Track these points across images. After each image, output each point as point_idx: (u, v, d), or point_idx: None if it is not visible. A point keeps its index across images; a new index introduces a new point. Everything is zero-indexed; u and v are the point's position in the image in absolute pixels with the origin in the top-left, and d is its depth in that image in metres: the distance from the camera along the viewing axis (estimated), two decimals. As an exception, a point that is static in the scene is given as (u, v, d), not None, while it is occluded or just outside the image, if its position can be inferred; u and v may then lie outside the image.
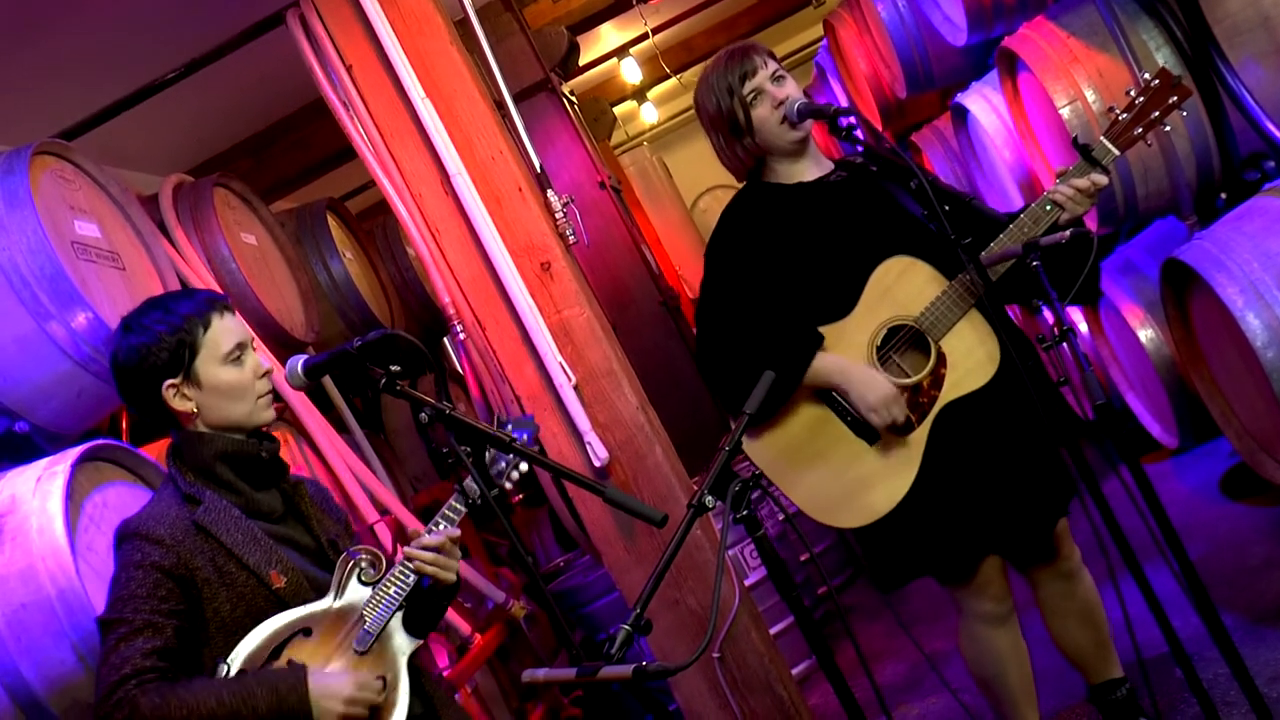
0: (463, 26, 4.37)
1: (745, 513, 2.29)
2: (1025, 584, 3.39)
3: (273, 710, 2.32)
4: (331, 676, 2.42)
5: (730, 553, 4.35)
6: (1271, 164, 4.17)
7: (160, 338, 2.55)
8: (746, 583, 5.30)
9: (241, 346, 2.61)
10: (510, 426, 2.77)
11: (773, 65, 3.28)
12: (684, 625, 4.08)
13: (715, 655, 4.07)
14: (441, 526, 2.60)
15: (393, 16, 4.08)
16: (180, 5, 4.76)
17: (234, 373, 2.59)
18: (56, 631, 2.72)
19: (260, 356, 2.67)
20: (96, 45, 4.83)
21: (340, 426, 4.64)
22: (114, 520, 3.03)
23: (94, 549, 2.92)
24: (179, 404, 2.58)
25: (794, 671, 4.95)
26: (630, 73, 9.43)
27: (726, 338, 3.21)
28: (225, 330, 2.61)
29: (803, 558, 5.81)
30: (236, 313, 2.68)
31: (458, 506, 2.60)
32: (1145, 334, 4.95)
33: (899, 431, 3.10)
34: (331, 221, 5.61)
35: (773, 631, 5.07)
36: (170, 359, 2.55)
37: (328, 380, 4.72)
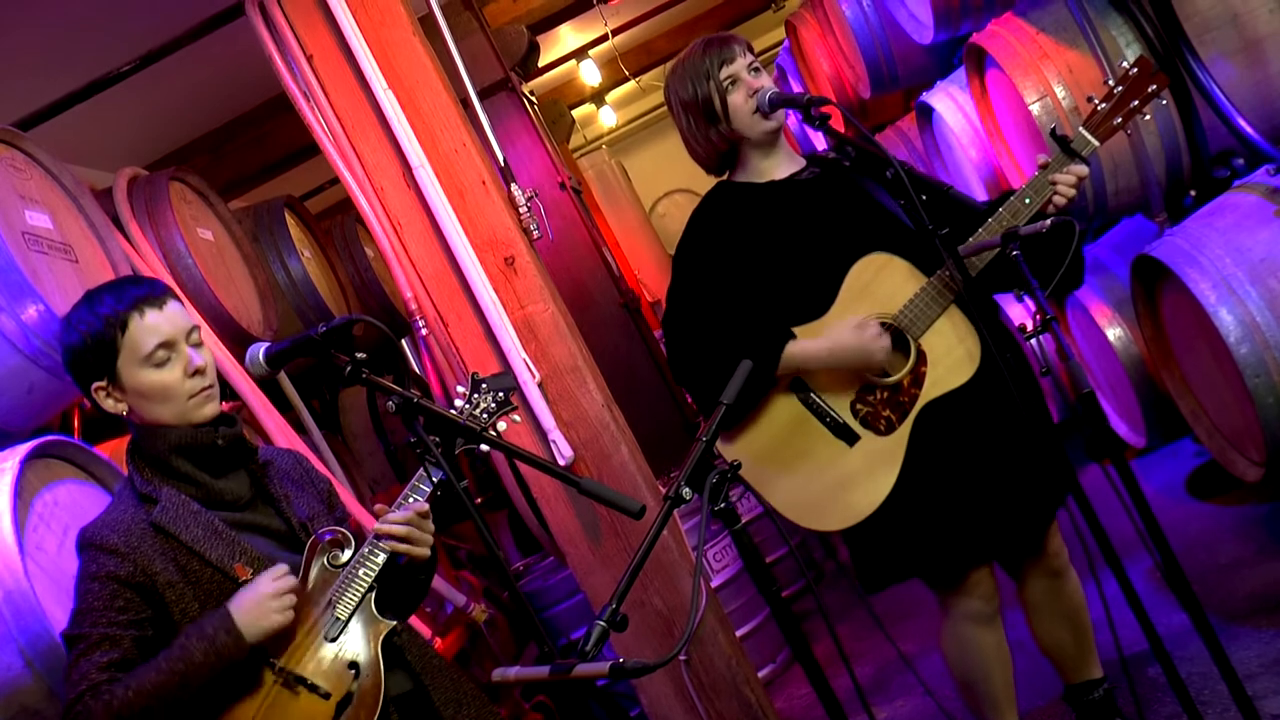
0: (425, 23, 4.30)
1: (723, 505, 2.23)
2: (1009, 581, 3.35)
3: (209, 653, 2.27)
4: (245, 591, 2.35)
5: (693, 554, 4.28)
6: (1241, 161, 4.16)
7: (84, 338, 2.48)
8: (712, 584, 5.25)
9: (169, 345, 2.49)
10: (486, 385, 2.69)
11: (750, 56, 3.25)
12: (650, 627, 4.02)
13: (682, 658, 4.00)
14: (410, 500, 2.51)
15: (354, 6, 4.01)
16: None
17: (157, 375, 2.48)
18: (2, 635, 2.62)
19: (192, 352, 2.53)
20: (48, 37, 4.73)
21: (298, 428, 4.55)
22: (65, 519, 2.94)
23: (44, 549, 2.83)
24: (110, 405, 2.51)
25: (760, 674, 4.91)
26: (589, 75, 9.37)
27: (700, 338, 3.15)
28: (146, 330, 2.48)
29: (769, 559, 5.77)
30: (168, 305, 2.53)
31: (428, 478, 2.51)
32: (1113, 333, 4.93)
33: (880, 432, 3.06)
34: (290, 219, 5.51)
35: (739, 634, 5.02)
36: (95, 361, 2.48)
37: (285, 380, 4.64)
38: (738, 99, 3.18)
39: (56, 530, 2.91)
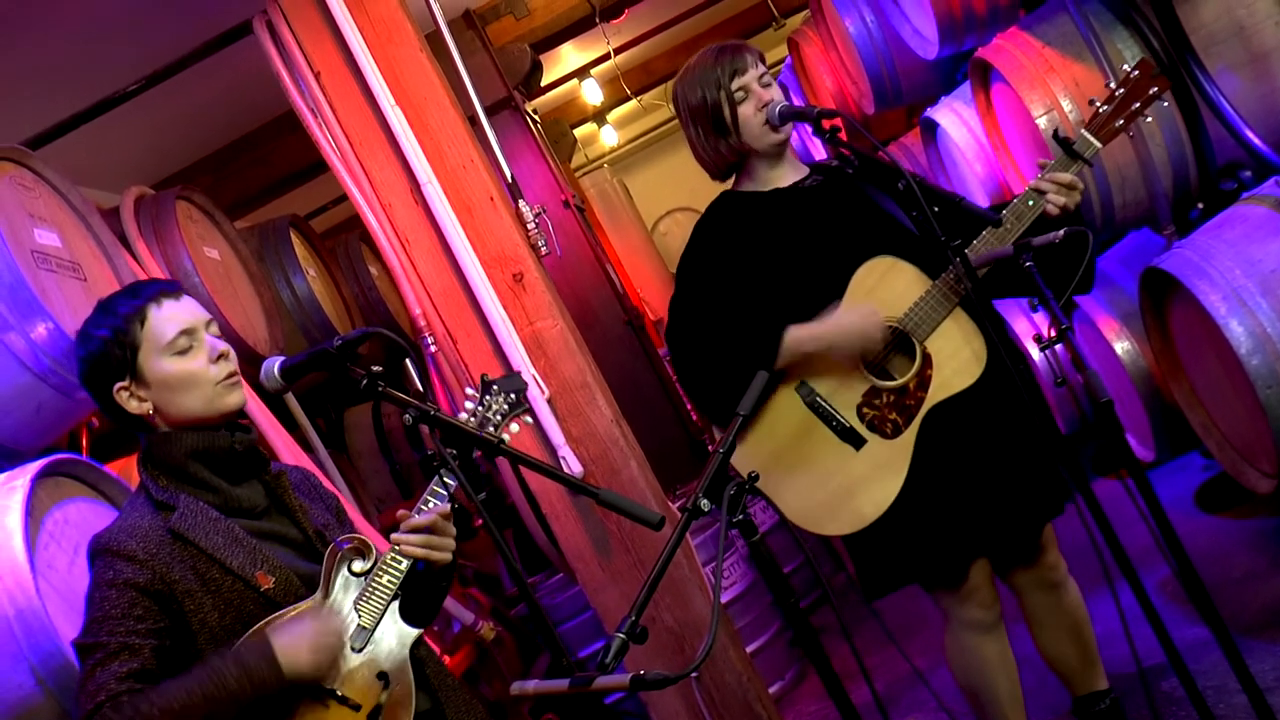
0: (431, 41, 4.31)
1: (741, 517, 2.21)
2: (1011, 595, 3.34)
3: (243, 682, 2.19)
4: (292, 627, 2.29)
5: (705, 571, 4.27)
6: (1248, 173, 4.15)
7: (104, 343, 2.45)
8: (721, 600, 5.23)
9: (189, 333, 2.47)
10: (497, 387, 2.66)
11: (761, 67, 3.24)
12: (661, 644, 4.00)
13: (694, 675, 3.98)
14: (431, 505, 2.46)
15: (362, 23, 4.02)
16: (142, 17, 4.67)
17: (180, 362, 2.45)
18: (14, 653, 2.60)
19: (213, 339, 2.52)
20: (54, 57, 4.73)
21: (304, 446, 4.54)
22: (75, 537, 2.93)
23: (54, 567, 2.81)
24: (134, 406, 2.46)
25: (770, 690, 4.88)
26: (591, 94, 9.39)
27: (703, 343, 3.15)
28: (165, 320, 2.47)
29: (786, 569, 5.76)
30: (184, 297, 2.54)
31: (447, 482, 2.46)
32: (1121, 346, 4.92)
33: (886, 436, 3.05)
34: (294, 238, 5.51)
35: (748, 650, 5.00)
36: (116, 363, 2.44)
37: (291, 399, 4.63)
38: (748, 111, 3.18)
39: (67, 548, 2.89)
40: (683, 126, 3.34)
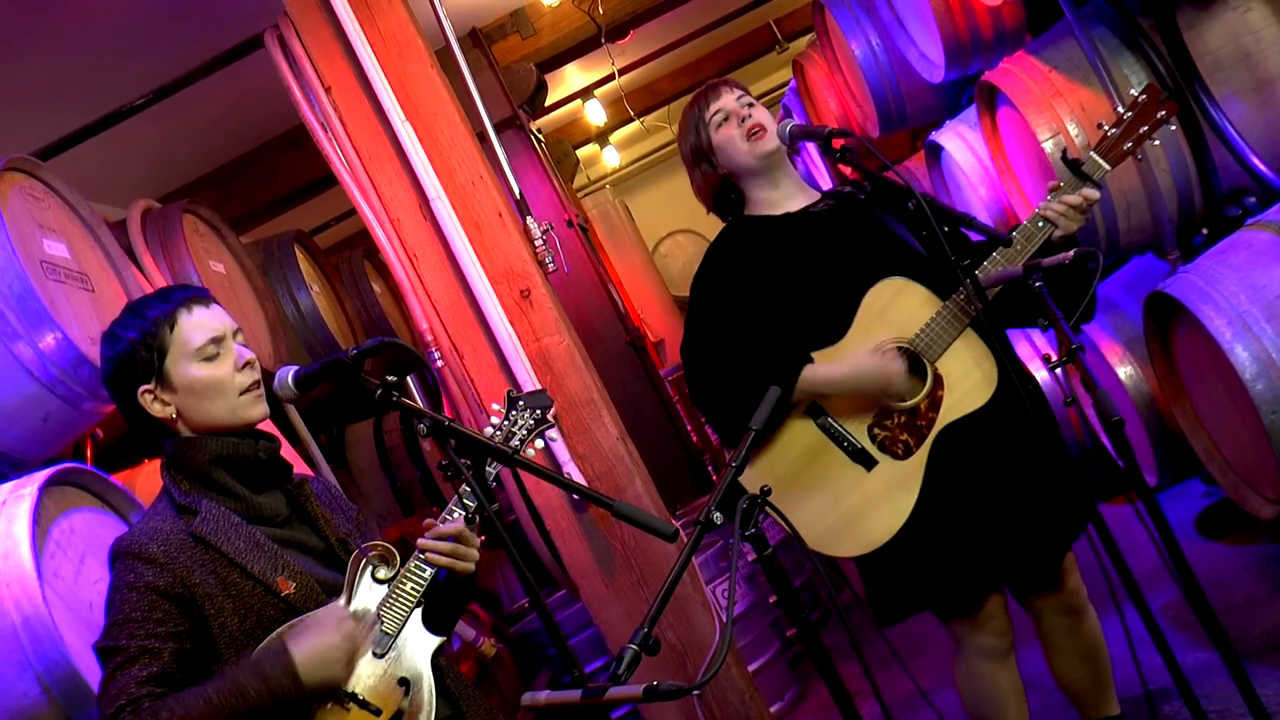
0: (440, 57, 4.32)
1: (753, 530, 2.22)
2: (1024, 616, 3.32)
3: (262, 692, 2.18)
4: (311, 638, 2.27)
5: (708, 590, 4.27)
6: (1253, 199, 4.17)
7: (132, 345, 2.45)
8: (722, 619, 5.22)
9: (218, 340, 2.48)
10: (523, 403, 2.67)
11: (739, 93, 3.31)
12: (664, 661, 4.00)
13: (695, 692, 3.98)
14: (456, 514, 2.46)
15: (373, 38, 4.03)
16: (151, 32, 4.69)
17: (207, 369, 2.45)
18: (20, 662, 2.60)
19: (240, 348, 2.52)
20: (64, 70, 4.75)
21: (306, 460, 4.54)
22: (81, 547, 2.93)
23: (60, 575, 2.81)
24: (158, 410, 2.46)
25: (770, 710, 4.87)
26: (594, 114, 9.43)
27: (718, 364, 3.15)
28: (195, 326, 2.47)
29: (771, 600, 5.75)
30: (214, 304, 2.55)
31: (466, 504, 2.46)
32: (1124, 370, 4.92)
33: (898, 457, 3.04)
34: (299, 253, 5.52)
35: (750, 668, 4.99)
36: (142, 365, 2.44)
37: (294, 413, 4.63)
38: (729, 130, 3.24)
39: (73, 558, 2.89)
40: (689, 172, 3.41)
